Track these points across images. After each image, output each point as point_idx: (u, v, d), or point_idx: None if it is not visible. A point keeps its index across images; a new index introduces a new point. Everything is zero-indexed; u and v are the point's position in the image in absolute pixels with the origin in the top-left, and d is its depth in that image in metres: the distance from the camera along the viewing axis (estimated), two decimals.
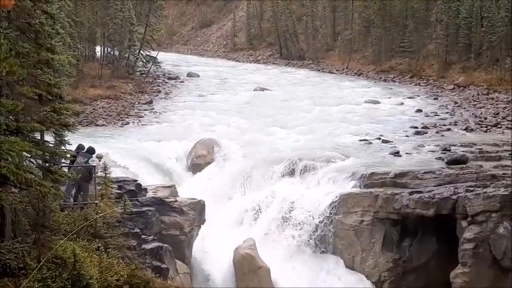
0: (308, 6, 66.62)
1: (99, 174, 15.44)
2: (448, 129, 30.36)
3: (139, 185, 20.36)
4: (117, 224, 14.99)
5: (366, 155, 25.62)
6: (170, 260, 18.73)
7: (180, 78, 49.64)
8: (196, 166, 26.45)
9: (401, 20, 55.29)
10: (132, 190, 19.49)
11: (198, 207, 20.92)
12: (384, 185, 21.90)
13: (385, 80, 50.15)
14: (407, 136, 29.28)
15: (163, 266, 17.80)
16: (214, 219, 22.66)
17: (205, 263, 20.96)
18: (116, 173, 19.41)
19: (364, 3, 60.49)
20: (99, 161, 16.30)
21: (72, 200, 15.61)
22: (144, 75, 47.78)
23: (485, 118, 32.68)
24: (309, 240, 21.65)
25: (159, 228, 19.47)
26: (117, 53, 46.09)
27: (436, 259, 21.07)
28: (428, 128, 30.67)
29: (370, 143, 27.74)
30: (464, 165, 22.73)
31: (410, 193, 20.91)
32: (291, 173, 24.15)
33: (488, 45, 44.33)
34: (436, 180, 21.60)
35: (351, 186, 22.33)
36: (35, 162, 11.99)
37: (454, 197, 20.30)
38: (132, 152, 26.38)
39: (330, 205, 21.72)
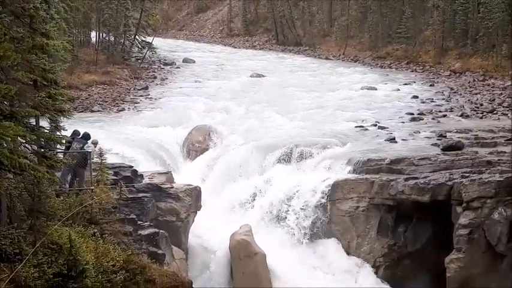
0: None
1: (95, 160, 15.42)
2: (444, 116, 30.39)
3: (135, 171, 20.35)
4: (113, 210, 15.01)
5: (362, 142, 25.64)
6: (166, 245, 18.77)
7: (175, 64, 49.47)
8: (192, 152, 26.46)
9: (398, 5, 55.13)
10: (128, 176, 19.48)
11: (194, 194, 20.94)
12: (380, 171, 21.95)
13: (381, 66, 50.11)
14: (403, 122, 29.30)
15: (160, 251, 17.82)
16: (211, 205, 22.71)
17: (201, 249, 21.02)
18: (111, 159, 19.40)
19: None
20: (95, 146, 16.27)
21: (67, 185, 15.61)
22: (139, 61, 47.59)
23: (481, 104, 32.72)
24: (304, 226, 21.71)
25: (155, 214, 19.49)
26: (112, 38, 45.86)
27: (431, 245, 21.18)
28: (424, 115, 30.69)
29: (366, 129, 27.76)
30: (459, 152, 22.79)
31: (406, 179, 20.97)
32: (287, 159, 24.17)
33: (485, 31, 44.26)
34: (432, 167, 21.65)
35: (347, 173, 22.37)
36: (30, 147, 11.96)
37: (450, 183, 20.36)
38: (127, 138, 26.35)
39: (326, 191, 21.77)
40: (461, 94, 36.46)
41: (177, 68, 48.48)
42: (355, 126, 28.25)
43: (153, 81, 42.45)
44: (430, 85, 40.11)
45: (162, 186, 20.50)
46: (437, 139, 24.82)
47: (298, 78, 43.53)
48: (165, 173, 22.45)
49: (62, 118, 12.88)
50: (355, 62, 53.63)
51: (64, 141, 13.86)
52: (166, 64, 49.20)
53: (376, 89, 38.28)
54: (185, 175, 24.05)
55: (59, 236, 11.37)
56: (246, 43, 70.14)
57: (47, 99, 12.06)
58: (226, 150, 25.96)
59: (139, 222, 17.87)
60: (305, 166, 23.67)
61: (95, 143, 16.68)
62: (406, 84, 40.40)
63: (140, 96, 37.13)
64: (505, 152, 22.47)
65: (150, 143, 26.42)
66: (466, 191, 19.89)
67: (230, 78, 43.75)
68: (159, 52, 50.88)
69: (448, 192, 20.30)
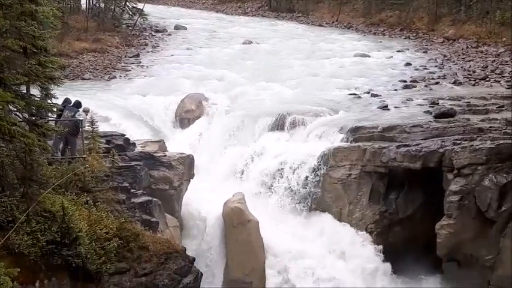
0: None
1: (87, 128, 15.36)
2: (437, 83, 30.34)
3: (128, 139, 20.32)
4: (106, 178, 15.03)
5: (355, 109, 25.63)
6: (160, 213, 18.87)
7: (167, 31, 48.89)
8: (184, 121, 26.38)
9: None
10: (120, 145, 19.46)
11: (187, 162, 20.97)
12: (372, 139, 22.00)
13: (374, 33, 49.73)
14: (396, 90, 29.26)
15: (153, 219, 17.93)
16: (204, 173, 22.77)
17: (194, 216, 21.15)
18: (103, 127, 19.32)
19: None
20: (86, 114, 16.18)
21: (59, 154, 15.58)
22: (130, 28, 46.98)
23: (474, 71, 32.64)
24: (297, 195, 21.85)
25: (148, 182, 19.53)
26: (102, 5, 45.15)
27: (422, 211, 21.40)
28: (417, 82, 30.63)
29: (359, 97, 27.72)
30: (451, 119, 22.84)
31: (398, 147, 21.06)
32: (280, 127, 24.16)
33: None
34: (424, 134, 21.73)
35: (339, 140, 22.42)
36: (21, 116, 11.90)
37: (441, 150, 20.47)
38: (119, 106, 26.21)
39: (318, 159, 21.85)
40: (454, 61, 36.33)
41: (169, 35, 47.94)
42: (348, 94, 28.19)
43: (144, 49, 42.00)
44: (423, 52, 39.92)
45: (155, 154, 20.51)
46: (430, 106, 24.84)
47: (291, 45, 43.19)
48: (158, 141, 22.43)
49: (52, 86, 12.79)
50: (348, 28, 53.17)
51: (55, 109, 13.79)
52: (157, 31, 48.60)
53: (369, 56, 38.08)
54: (177, 143, 24.03)
55: (52, 203, 11.41)
56: (238, 10, 69.28)
57: (37, 66, 11.96)
58: (218, 119, 25.89)
59: (132, 190, 17.93)
60: (298, 134, 23.69)
61: (86, 111, 16.60)
62: (399, 51, 40.19)
63: (131, 63, 36.77)
64: (496, 119, 22.54)
65: (142, 111, 26.29)
66: (457, 158, 20.02)
67: (222, 45, 43.36)
68: (150, 19, 50.18)
69: (440, 159, 20.42)
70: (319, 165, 21.79)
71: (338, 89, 29.58)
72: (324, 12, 60.38)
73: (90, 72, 33.86)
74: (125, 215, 14.21)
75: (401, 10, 51.04)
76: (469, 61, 35.79)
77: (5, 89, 10.26)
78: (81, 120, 15.63)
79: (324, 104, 26.27)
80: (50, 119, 14.72)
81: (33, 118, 12.09)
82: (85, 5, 44.80)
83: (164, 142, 22.61)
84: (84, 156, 14.83)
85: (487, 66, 33.62)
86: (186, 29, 50.63)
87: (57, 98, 13.68)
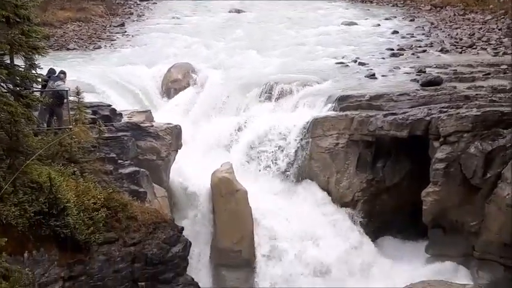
0: None
1: (72, 99, 15.22)
2: (424, 51, 30.31)
3: (114, 110, 20.18)
4: (93, 149, 14.99)
5: (342, 78, 25.57)
6: (147, 184, 18.88)
7: (152, 0, 48.26)
8: (171, 91, 26.20)
9: None
10: (106, 115, 19.32)
11: (175, 132, 20.91)
12: (359, 108, 22.03)
13: (362, 1, 49.38)
14: (384, 58, 29.19)
15: (141, 190, 17.94)
16: (191, 144, 22.74)
17: (183, 186, 21.19)
18: (89, 98, 19.16)
19: None
20: (64, 76, 15.84)
21: (45, 125, 15.46)
22: None
23: (461, 39, 32.62)
24: (285, 164, 21.93)
25: (135, 153, 19.48)
26: None
27: (408, 179, 21.60)
28: (404, 50, 30.57)
29: (347, 65, 27.63)
30: (438, 87, 22.87)
31: (385, 115, 21.12)
32: (267, 97, 24.09)
33: None
34: (411, 102, 21.79)
35: (327, 110, 22.43)
36: (5, 86, 11.76)
37: (428, 118, 20.57)
38: (105, 76, 25.93)
39: (306, 128, 21.88)
40: (441, 29, 36.25)
41: (154, 3, 47.33)
42: (336, 63, 28.08)
43: (129, 18, 41.45)
44: (411, 20, 39.77)
45: (142, 125, 20.41)
46: (417, 74, 24.85)
47: (277, 13, 42.82)
48: (145, 111, 22.30)
49: (36, 56, 12.60)
50: None
51: (40, 80, 13.63)
52: None
53: (356, 24, 37.88)
54: (165, 114, 23.90)
55: (39, 174, 11.38)
56: None
57: (20, 36, 11.78)
58: (205, 88, 25.75)
59: (119, 161, 17.88)
60: (285, 103, 23.66)
61: (63, 72, 16.21)
62: (386, 19, 40.02)
63: (117, 33, 36.31)
64: (482, 87, 22.63)
65: (128, 81, 26.05)
66: (443, 126, 20.14)
67: (209, 14, 42.91)
68: None
69: (426, 128, 20.54)
70: (307, 134, 21.83)
71: (325, 58, 29.46)
72: None
73: (75, 42, 33.43)
74: (113, 185, 14.21)
75: None
76: (456, 29, 35.73)
77: None
78: (67, 90, 15.46)
79: (311, 73, 26.17)
80: (34, 89, 14.56)
81: (18, 89, 11.95)
82: None
83: (151, 112, 22.49)
84: (70, 127, 14.73)
85: (473, 34, 33.59)
86: None
87: (41, 68, 13.51)
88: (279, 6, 45.89)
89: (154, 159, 20.17)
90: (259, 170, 22.10)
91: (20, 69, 12.33)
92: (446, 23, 38.00)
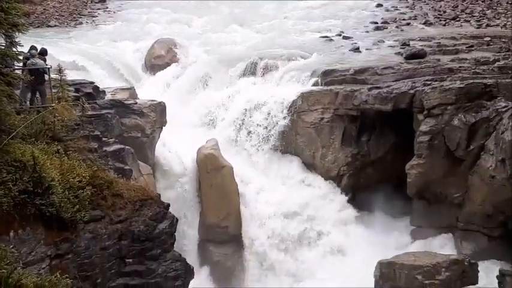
0: None
1: (54, 76, 15.00)
2: (408, 24, 30.29)
3: (97, 87, 19.97)
4: (76, 127, 14.83)
5: (327, 52, 25.51)
6: (133, 161, 18.82)
7: None
8: (155, 67, 25.94)
9: None
10: (89, 93, 19.12)
11: (159, 109, 20.79)
12: (344, 82, 22.03)
13: None
14: (368, 32, 29.15)
15: (126, 167, 17.88)
16: (176, 120, 22.61)
17: (168, 163, 21.14)
18: (71, 75, 18.91)
19: None
20: (37, 53, 15.55)
21: (28, 103, 15.26)
22: None
23: (445, 11, 32.61)
24: (269, 139, 21.94)
25: (119, 130, 19.36)
26: None
27: (393, 152, 21.76)
28: (388, 23, 30.53)
29: (331, 39, 27.55)
30: (422, 60, 22.93)
31: (369, 89, 21.15)
32: (252, 72, 23.98)
33: None
34: (395, 76, 21.83)
35: (312, 84, 22.40)
36: None
37: (412, 91, 20.63)
38: (87, 53, 25.60)
39: (291, 103, 21.85)
40: (425, 1, 36.17)
41: None
42: (320, 37, 27.99)
43: None
44: None
45: (126, 102, 20.27)
46: (401, 48, 24.86)
47: None
48: (128, 88, 22.13)
49: (17, 33, 12.36)
50: None
51: (21, 58, 13.41)
52: None
53: None
54: (148, 90, 23.72)
55: (22, 153, 11.26)
56: None
57: None
58: (189, 64, 25.55)
59: (104, 138, 17.76)
60: (270, 79, 23.58)
61: (34, 48, 15.86)
62: None
63: (98, 9, 35.82)
64: (466, 59, 22.71)
65: (111, 58, 25.75)
66: (427, 99, 20.23)
67: None
68: None
69: (410, 101, 20.61)
70: (292, 109, 21.82)
71: (310, 32, 29.35)
72: None
73: (56, 19, 32.93)
74: (98, 163, 14.10)
75: None
76: (440, 1, 35.67)
77: None
78: (48, 68, 15.22)
79: (295, 47, 26.07)
80: (15, 67, 14.33)
81: None
82: None
83: (135, 89, 22.32)
84: (53, 105, 14.55)
85: (457, 6, 33.59)
86: None
87: (22, 45, 13.27)
88: None
89: (139, 137, 20.08)
90: (245, 146, 22.10)
91: (0, 47, 12.12)
92: None
